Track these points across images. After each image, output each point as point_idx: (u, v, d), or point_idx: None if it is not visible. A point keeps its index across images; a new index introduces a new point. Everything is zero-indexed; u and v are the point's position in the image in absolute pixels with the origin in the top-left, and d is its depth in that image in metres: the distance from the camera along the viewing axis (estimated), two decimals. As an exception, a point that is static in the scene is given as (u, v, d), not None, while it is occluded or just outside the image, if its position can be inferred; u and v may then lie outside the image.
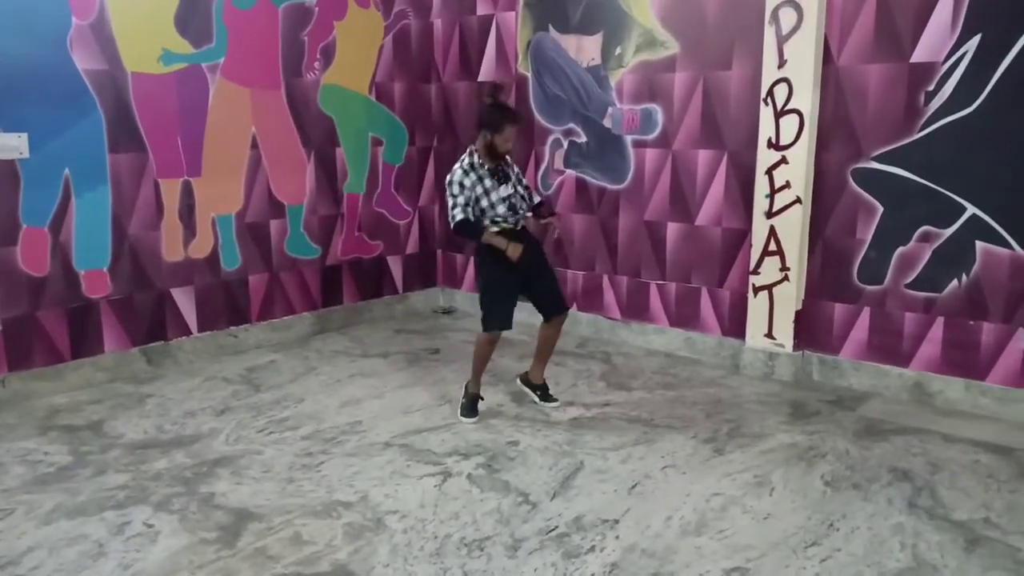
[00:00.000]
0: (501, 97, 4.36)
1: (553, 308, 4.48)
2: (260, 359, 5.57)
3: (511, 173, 4.36)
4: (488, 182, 4.23)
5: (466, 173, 4.19)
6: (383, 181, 6.67)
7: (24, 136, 4.59)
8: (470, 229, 4.22)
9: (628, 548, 3.10)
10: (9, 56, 4.49)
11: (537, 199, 4.54)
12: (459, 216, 4.18)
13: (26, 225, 4.68)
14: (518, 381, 4.82)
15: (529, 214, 4.47)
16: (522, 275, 4.33)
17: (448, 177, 4.24)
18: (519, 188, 4.38)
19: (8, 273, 4.63)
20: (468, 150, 4.29)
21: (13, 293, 4.66)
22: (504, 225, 4.29)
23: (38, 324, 4.79)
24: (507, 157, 4.35)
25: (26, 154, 4.61)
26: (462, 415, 4.45)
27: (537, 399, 4.68)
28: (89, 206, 4.92)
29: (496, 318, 4.34)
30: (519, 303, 4.42)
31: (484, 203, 4.24)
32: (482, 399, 4.56)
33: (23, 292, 4.71)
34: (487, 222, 4.26)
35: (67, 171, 4.81)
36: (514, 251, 4.12)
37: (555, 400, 4.66)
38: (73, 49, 4.75)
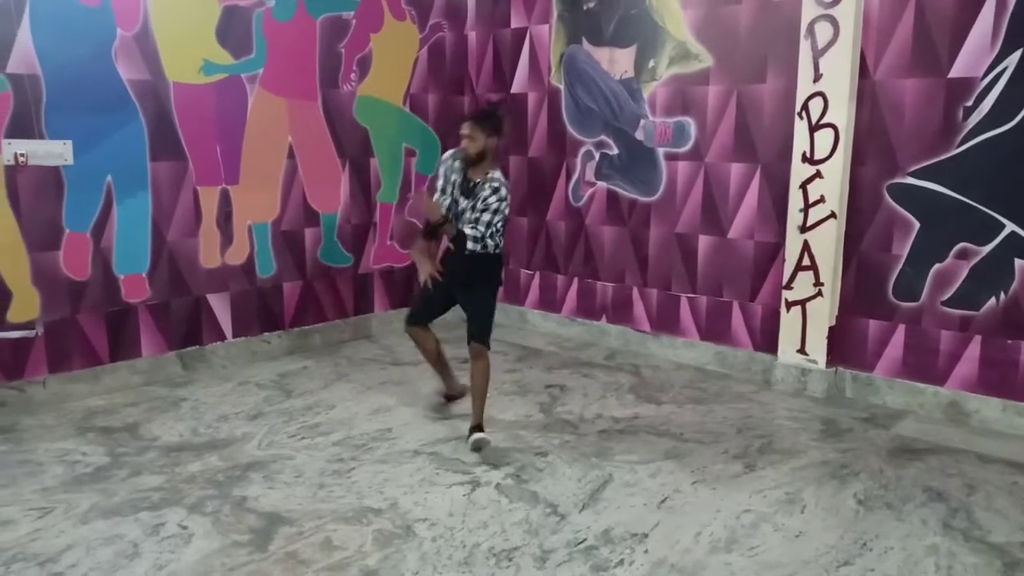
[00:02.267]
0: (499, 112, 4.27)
1: (469, 331, 4.25)
2: (292, 365, 5.63)
3: (481, 196, 4.05)
4: (457, 182, 4.15)
5: (452, 158, 4.21)
6: (416, 191, 6.73)
7: (69, 143, 4.71)
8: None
9: (657, 563, 3.09)
10: (56, 66, 4.61)
11: (468, 232, 4.04)
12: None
13: (69, 230, 4.80)
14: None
15: (470, 243, 4.06)
16: (450, 285, 4.28)
17: None
18: (475, 213, 4.06)
19: (50, 277, 4.75)
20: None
21: (55, 297, 4.77)
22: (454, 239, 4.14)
23: (78, 327, 4.90)
24: (491, 183, 4.04)
25: (70, 161, 4.73)
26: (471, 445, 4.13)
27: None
28: (130, 212, 5.03)
29: (411, 307, 4.63)
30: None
31: (457, 207, 4.16)
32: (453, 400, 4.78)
33: (64, 296, 4.82)
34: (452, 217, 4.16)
35: (109, 178, 4.92)
36: (423, 272, 4.27)
37: (484, 444, 4.13)
38: (117, 59, 4.87)
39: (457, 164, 4.16)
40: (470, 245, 4.05)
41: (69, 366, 4.88)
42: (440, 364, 4.68)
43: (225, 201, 5.48)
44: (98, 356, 5.00)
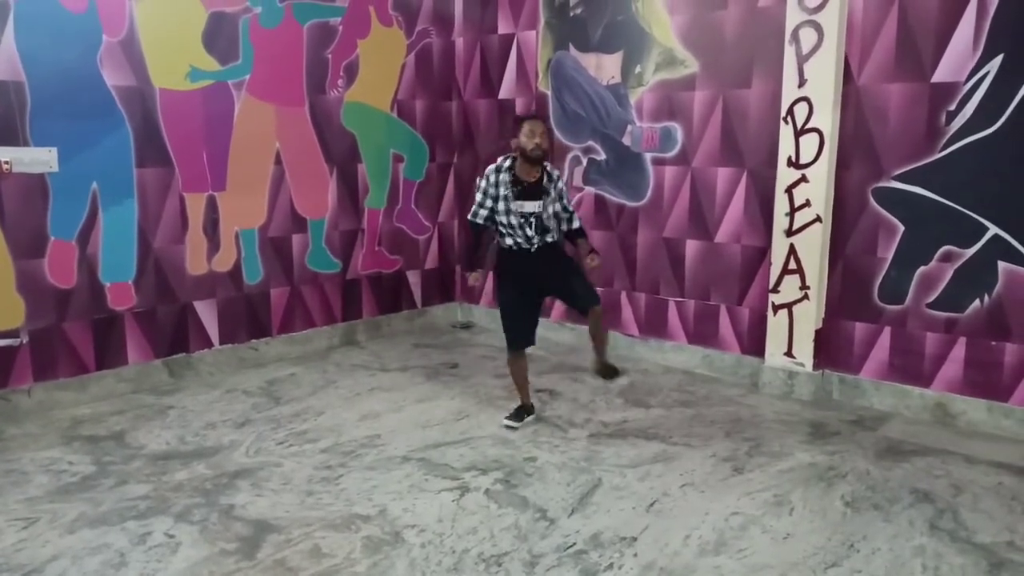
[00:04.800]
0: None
1: (581, 302, 4.39)
2: (280, 372, 5.61)
3: (551, 189, 4.27)
4: (509, 196, 4.19)
5: (495, 171, 4.23)
6: (403, 197, 6.73)
7: (54, 150, 4.68)
8: (471, 244, 4.42)
9: (646, 566, 3.09)
10: (41, 72, 4.59)
11: (577, 224, 4.47)
12: (469, 215, 4.33)
13: (54, 238, 4.77)
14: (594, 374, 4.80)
15: (550, 237, 4.35)
16: (535, 290, 4.39)
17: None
18: (554, 208, 4.30)
19: (36, 285, 4.71)
20: (505, 158, 4.33)
21: (40, 305, 4.74)
22: (517, 240, 4.27)
23: (64, 335, 4.86)
24: (551, 173, 4.28)
25: (55, 168, 4.70)
26: (505, 418, 4.56)
27: (603, 380, 4.77)
28: (116, 219, 5.01)
29: (512, 336, 4.45)
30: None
31: (501, 218, 4.25)
32: (530, 414, 4.62)
33: (50, 304, 4.79)
34: (504, 241, 4.32)
35: (95, 185, 4.90)
36: (473, 279, 4.33)
37: (618, 373, 4.63)
38: (103, 65, 4.85)
39: (505, 176, 4.21)
40: (551, 239, 4.32)
41: (55, 374, 4.85)
42: (594, 339, 4.59)
43: (212, 207, 5.46)
44: (84, 364, 4.97)
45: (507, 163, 4.24)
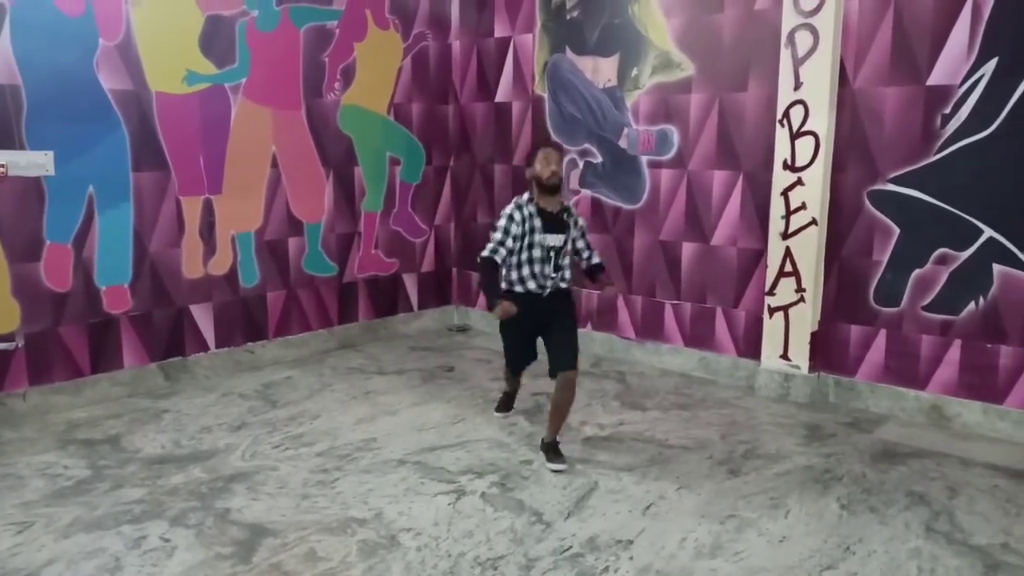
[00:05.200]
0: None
1: (555, 363, 4.05)
2: (276, 375, 5.61)
3: (571, 224, 4.14)
4: (538, 226, 4.00)
5: (518, 208, 4.01)
6: (400, 200, 6.73)
7: (50, 154, 4.68)
8: (490, 280, 4.03)
9: (642, 569, 3.09)
10: (37, 76, 4.58)
11: (597, 260, 4.35)
12: (485, 252, 4.00)
13: (50, 241, 4.76)
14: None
15: (563, 282, 4.15)
16: (532, 324, 4.17)
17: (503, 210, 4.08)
18: (577, 244, 4.23)
19: (31, 289, 4.70)
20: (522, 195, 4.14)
21: (35, 308, 4.73)
22: (535, 276, 4.07)
23: (59, 339, 4.85)
24: (569, 207, 4.15)
25: (51, 171, 4.70)
26: (496, 410, 4.78)
27: (545, 460, 4.08)
28: (112, 223, 5.00)
29: (507, 359, 4.50)
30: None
31: (523, 254, 4.02)
32: (515, 395, 4.78)
33: (45, 307, 4.78)
34: (515, 275, 4.07)
35: (91, 188, 4.89)
36: (503, 311, 3.91)
37: (559, 462, 4.00)
38: (99, 69, 4.85)
39: (530, 209, 4.02)
40: (563, 283, 4.16)
41: (50, 378, 4.84)
42: (552, 410, 4.18)
43: (208, 211, 5.45)
44: (79, 368, 4.96)
45: (526, 197, 4.07)
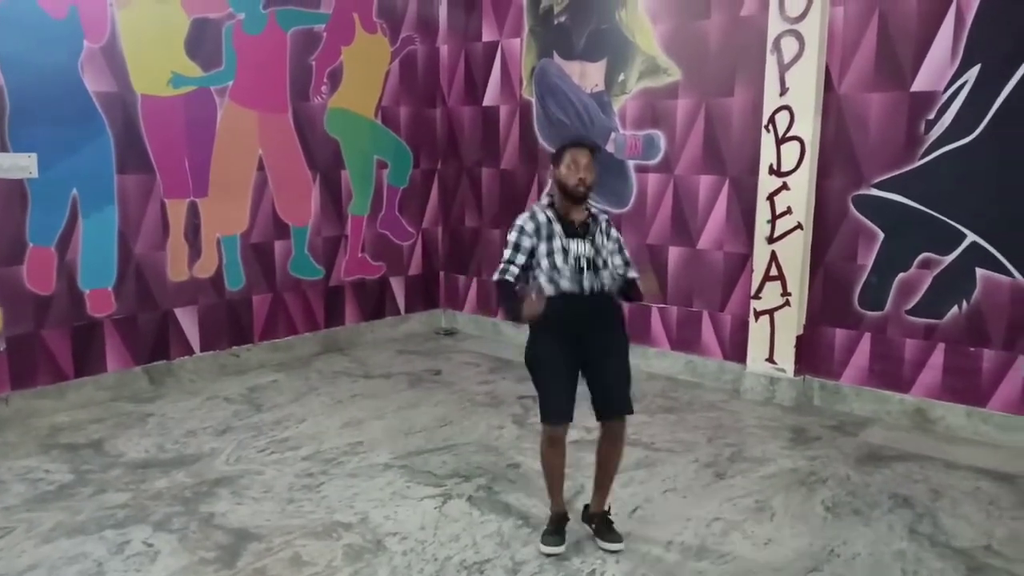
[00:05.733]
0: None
1: (606, 407, 3.25)
2: (262, 379, 5.58)
3: (598, 233, 3.28)
4: (556, 233, 3.24)
5: (531, 216, 3.27)
6: (387, 203, 6.72)
7: (34, 156, 4.64)
8: (503, 294, 3.30)
9: (628, 572, 3.09)
10: (21, 78, 4.55)
11: (632, 275, 3.37)
12: (496, 275, 3.28)
13: (33, 244, 4.72)
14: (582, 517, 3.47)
15: (607, 287, 3.29)
16: (577, 350, 3.23)
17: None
18: (604, 254, 3.27)
19: (14, 291, 4.66)
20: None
21: (18, 311, 4.69)
22: (569, 283, 3.21)
23: (42, 342, 4.81)
24: (598, 216, 3.34)
25: (35, 174, 4.66)
26: (542, 541, 3.28)
27: (593, 535, 3.35)
28: (96, 226, 4.96)
29: (550, 405, 3.23)
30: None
31: (554, 261, 3.22)
32: (567, 519, 3.38)
33: (28, 311, 4.73)
34: (543, 281, 3.22)
35: (75, 191, 4.86)
36: (529, 308, 3.06)
37: (618, 540, 3.28)
38: (84, 71, 4.81)
39: (547, 215, 3.28)
40: (607, 289, 3.29)
41: (33, 382, 4.79)
42: (600, 471, 3.41)
43: (193, 214, 5.42)
44: (63, 372, 4.92)
45: (545, 202, 3.35)
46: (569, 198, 3.26)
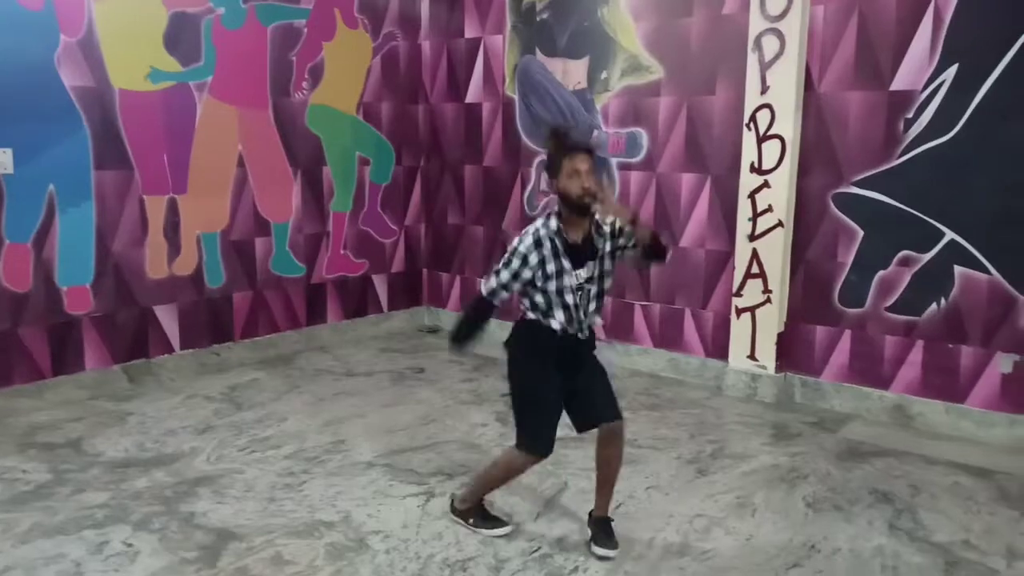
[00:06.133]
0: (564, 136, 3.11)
1: (606, 410, 3.17)
2: (243, 377, 5.54)
3: (601, 246, 3.08)
4: (562, 262, 3.03)
5: (537, 244, 3.02)
6: (369, 200, 6.69)
7: (9, 151, 4.58)
8: (475, 314, 3.24)
9: (611, 569, 3.10)
10: (-4, 72, 4.49)
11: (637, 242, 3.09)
12: (483, 291, 3.17)
13: (9, 241, 4.65)
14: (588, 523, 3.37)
15: (598, 317, 3.22)
16: (565, 382, 3.16)
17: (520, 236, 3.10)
18: (607, 265, 3.11)
19: (-11, 289, 4.60)
20: (549, 214, 3.11)
21: (-6, 309, 4.63)
22: (567, 320, 3.09)
23: (19, 340, 4.75)
24: (601, 224, 3.08)
25: (10, 170, 4.59)
26: (485, 528, 3.36)
27: (591, 537, 3.27)
28: (73, 222, 4.90)
29: (540, 437, 3.16)
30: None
31: (550, 293, 3.06)
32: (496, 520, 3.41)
33: (4, 308, 4.67)
34: (541, 314, 3.11)
35: (52, 187, 4.80)
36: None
37: (612, 547, 3.19)
38: (60, 66, 4.75)
39: (552, 240, 3.03)
40: (598, 320, 3.19)
41: (9, 380, 4.73)
42: (603, 476, 3.34)
43: (172, 210, 5.37)
44: (40, 370, 4.85)
45: (552, 222, 3.05)
46: (575, 211, 2.99)
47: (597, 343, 3.27)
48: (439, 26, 6.76)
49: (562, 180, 2.98)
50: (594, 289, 3.11)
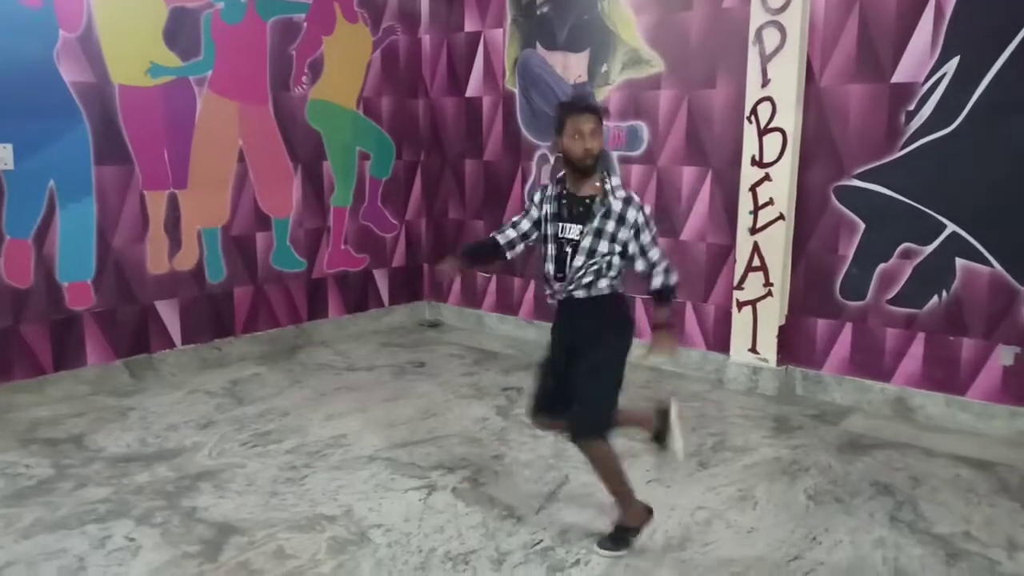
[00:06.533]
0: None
1: (570, 425, 3.13)
2: (244, 372, 5.54)
3: (601, 217, 3.01)
4: (557, 207, 3.09)
5: (543, 188, 3.18)
6: (370, 195, 6.69)
7: (9, 147, 4.57)
8: (474, 244, 3.38)
9: (612, 562, 3.10)
10: (-5, 67, 4.48)
11: (657, 283, 3.12)
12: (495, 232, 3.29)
13: (9, 237, 4.65)
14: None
15: (587, 290, 3.07)
16: (561, 346, 3.20)
17: None
18: (605, 241, 3.01)
19: (-10, 285, 4.60)
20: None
21: (-5, 305, 4.63)
22: (545, 280, 3.16)
23: (20, 337, 4.75)
24: (614, 189, 3.03)
25: (11, 165, 4.59)
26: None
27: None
28: (74, 218, 4.90)
29: (531, 397, 3.37)
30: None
31: (547, 231, 3.12)
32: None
33: (5, 304, 4.67)
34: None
35: (52, 183, 4.79)
36: (443, 270, 3.23)
37: (610, 548, 3.17)
38: (60, 61, 4.74)
39: (554, 190, 3.13)
40: (587, 292, 3.08)
41: (11, 376, 4.74)
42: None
43: (173, 206, 5.37)
44: (41, 366, 4.86)
45: (560, 172, 3.15)
46: (576, 170, 3.02)
47: (606, 323, 3.13)
48: (439, 20, 6.75)
49: (565, 139, 3.00)
50: (582, 256, 3.04)
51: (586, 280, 3.07)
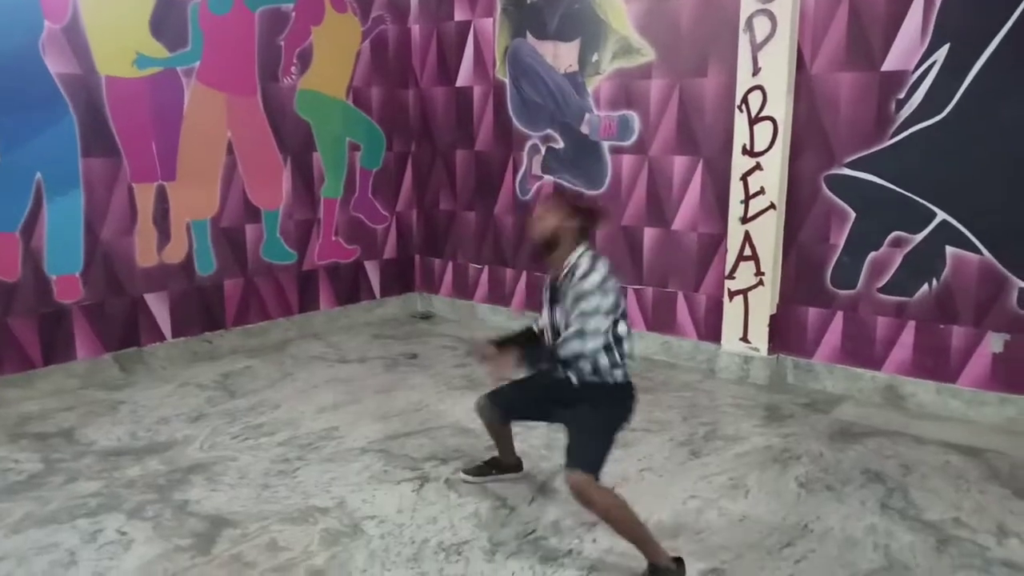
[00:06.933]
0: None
1: (565, 454, 3.00)
2: (235, 365, 5.52)
3: (566, 294, 3.01)
4: (546, 295, 3.22)
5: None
6: (360, 186, 6.66)
7: (-6, 139, 4.53)
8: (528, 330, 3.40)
9: (605, 551, 3.11)
10: (-21, 58, 4.43)
11: (554, 342, 3.07)
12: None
13: (-4, 230, 4.62)
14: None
15: (579, 373, 3.09)
16: (547, 391, 3.22)
17: None
18: (559, 319, 3.06)
19: (-23, 278, 4.56)
20: None
21: (-18, 299, 4.60)
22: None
23: (8, 331, 4.72)
24: (575, 267, 3.01)
25: (-4, 158, 4.55)
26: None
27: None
28: (61, 211, 4.86)
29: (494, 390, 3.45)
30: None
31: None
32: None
33: (-7, 298, 4.64)
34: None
35: (39, 175, 4.75)
36: (493, 369, 3.07)
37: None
38: (45, 53, 4.69)
39: (549, 277, 3.22)
40: (580, 376, 3.07)
41: (0, 370, 4.71)
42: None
43: (162, 198, 5.33)
44: (31, 360, 4.83)
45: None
46: (548, 259, 3.13)
47: (596, 399, 3.08)
48: (428, 9, 6.71)
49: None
50: (559, 336, 3.02)
51: (576, 371, 3.07)
